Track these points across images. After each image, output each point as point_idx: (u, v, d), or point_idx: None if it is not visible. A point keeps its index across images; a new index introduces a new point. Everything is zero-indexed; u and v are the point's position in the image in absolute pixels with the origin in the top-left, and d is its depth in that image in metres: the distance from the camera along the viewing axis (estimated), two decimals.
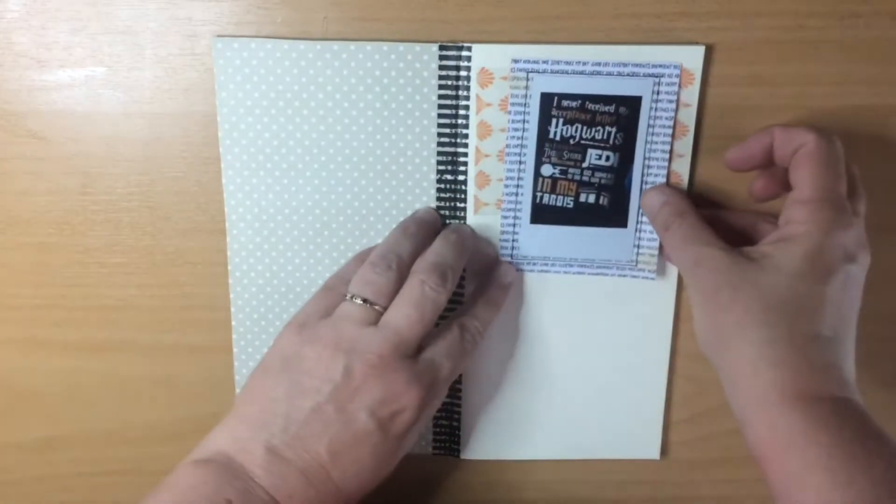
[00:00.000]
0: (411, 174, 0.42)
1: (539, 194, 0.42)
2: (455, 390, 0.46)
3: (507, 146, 0.41)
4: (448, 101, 0.41)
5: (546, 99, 0.40)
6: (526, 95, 0.40)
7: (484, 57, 0.40)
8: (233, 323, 0.45)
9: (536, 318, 0.45)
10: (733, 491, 0.49)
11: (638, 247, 0.42)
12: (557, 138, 0.40)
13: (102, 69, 0.41)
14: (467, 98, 0.41)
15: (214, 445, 0.37)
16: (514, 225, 0.42)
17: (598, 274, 0.43)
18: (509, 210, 0.42)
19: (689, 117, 0.41)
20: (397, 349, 0.37)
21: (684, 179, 0.42)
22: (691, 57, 0.40)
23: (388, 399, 0.37)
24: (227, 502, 0.35)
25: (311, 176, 0.42)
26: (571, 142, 0.40)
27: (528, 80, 0.40)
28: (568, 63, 0.39)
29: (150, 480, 0.48)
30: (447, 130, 0.41)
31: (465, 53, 0.40)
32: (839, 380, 0.35)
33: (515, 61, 0.39)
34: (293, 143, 0.41)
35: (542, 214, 0.42)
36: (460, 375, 0.45)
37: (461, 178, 0.42)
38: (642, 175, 0.41)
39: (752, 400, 0.35)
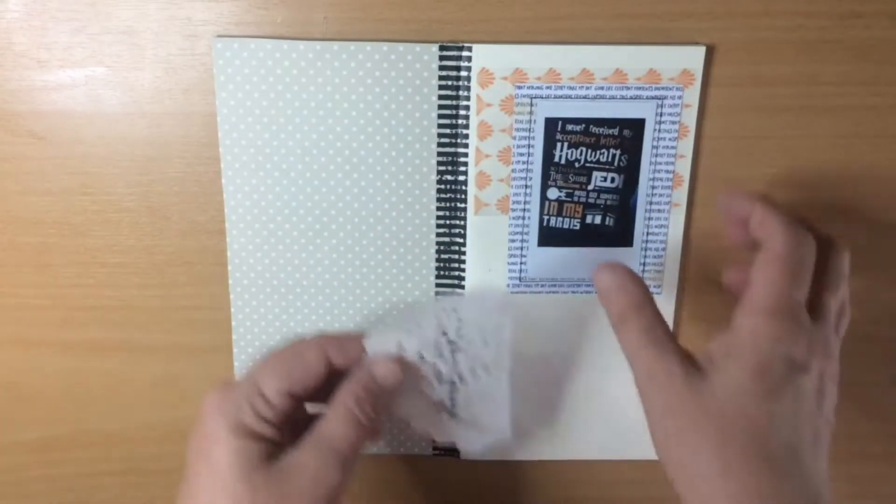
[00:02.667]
0: (411, 174, 0.42)
1: (546, 217, 0.42)
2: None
3: (513, 170, 0.41)
4: (448, 102, 0.41)
5: (550, 124, 0.41)
6: (530, 121, 0.40)
7: (484, 57, 0.40)
8: (233, 323, 0.45)
9: (536, 321, 0.45)
10: None
11: (644, 265, 0.43)
12: (563, 162, 0.41)
13: (102, 69, 0.41)
14: (468, 98, 0.41)
15: None
16: (521, 248, 0.43)
17: None
18: (517, 234, 0.43)
19: (689, 117, 0.41)
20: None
21: (685, 180, 0.42)
22: (692, 57, 0.40)
23: None
24: None
25: (311, 176, 0.42)
26: (577, 165, 0.41)
27: (531, 105, 0.40)
28: (571, 88, 0.40)
29: (150, 480, 0.48)
30: (447, 131, 0.41)
31: (465, 54, 0.40)
32: (800, 500, 0.32)
33: (519, 87, 0.40)
34: (293, 143, 0.41)
35: (549, 237, 0.43)
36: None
37: (461, 178, 0.42)
38: (647, 195, 0.42)
39: None
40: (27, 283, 0.44)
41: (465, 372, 0.40)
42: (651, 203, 0.42)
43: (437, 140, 0.42)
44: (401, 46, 0.40)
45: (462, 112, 0.41)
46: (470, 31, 0.40)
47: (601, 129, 0.40)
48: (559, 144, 0.41)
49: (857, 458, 0.48)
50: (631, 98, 0.40)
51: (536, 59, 0.40)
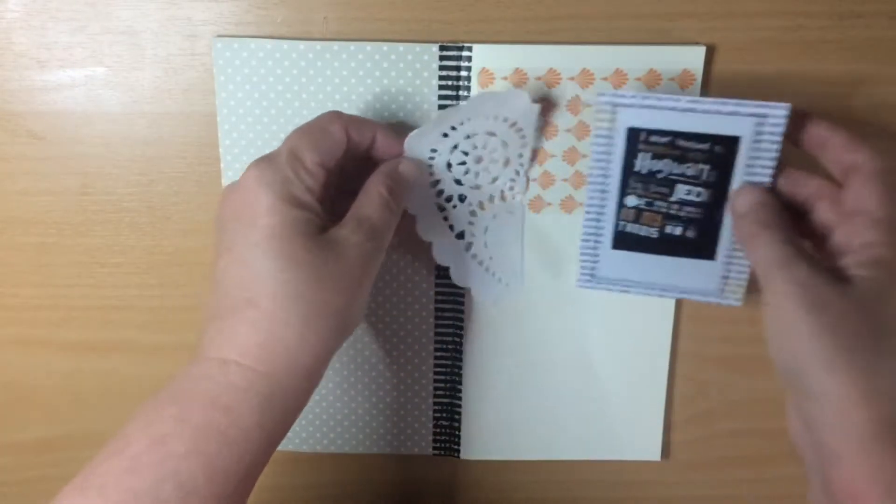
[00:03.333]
0: None
1: (622, 223, 0.40)
2: (455, 390, 0.46)
3: (590, 175, 0.39)
4: (448, 102, 0.41)
5: (632, 133, 0.38)
6: (611, 129, 0.38)
7: (485, 57, 0.40)
8: None
9: (537, 321, 0.45)
10: (733, 491, 0.49)
11: (726, 278, 0.40)
12: (644, 172, 0.39)
13: (102, 69, 0.41)
14: (468, 98, 0.41)
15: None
16: (595, 248, 0.41)
17: (679, 297, 0.42)
18: (590, 235, 0.41)
19: None
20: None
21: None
22: (692, 57, 0.40)
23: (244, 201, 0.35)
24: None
25: None
26: (659, 175, 0.39)
27: (613, 113, 0.38)
28: (659, 98, 0.37)
29: None
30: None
31: (465, 53, 0.40)
32: None
33: (601, 95, 0.38)
34: None
35: (624, 241, 0.41)
36: (460, 375, 0.45)
37: None
38: None
39: (851, 434, 0.32)
40: (27, 283, 0.44)
41: (485, 200, 0.42)
42: None
43: None
44: (401, 46, 0.40)
45: None
46: (470, 31, 0.40)
47: (689, 143, 0.38)
48: (641, 154, 0.38)
49: None
50: (727, 114, 0.37)
51: (536, 59, 0.40)
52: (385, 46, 0.40)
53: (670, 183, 0.39)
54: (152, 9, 0.40)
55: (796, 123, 0.37)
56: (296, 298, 0.33)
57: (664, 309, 0.45)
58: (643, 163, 0.38)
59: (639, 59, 0.40)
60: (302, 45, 0.40)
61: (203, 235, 0.44)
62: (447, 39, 0.40)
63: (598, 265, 0.41)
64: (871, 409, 0.31)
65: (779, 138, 0.37)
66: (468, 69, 0.40)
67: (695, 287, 0.41)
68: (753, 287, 0.41)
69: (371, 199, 0.37)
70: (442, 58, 0.40)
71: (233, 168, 0.42)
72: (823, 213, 0.37)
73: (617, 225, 0.40)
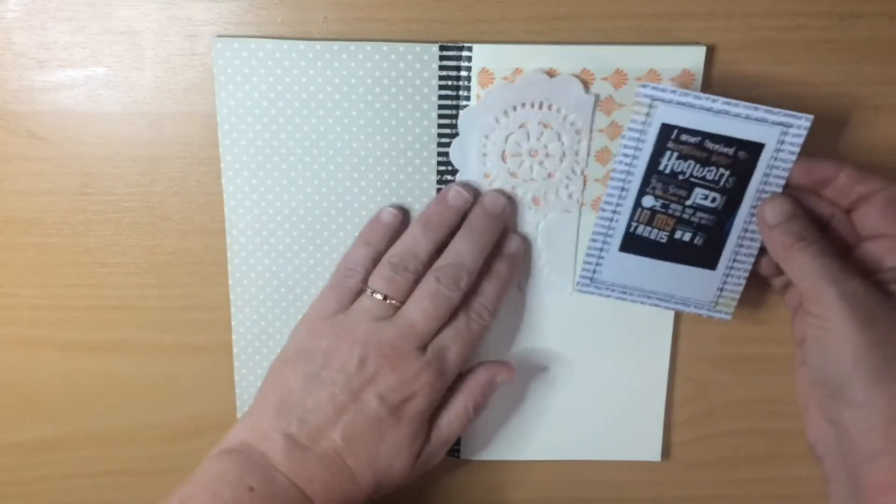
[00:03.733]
0: (411, 174, 0.42)
1: (634, 224, 0.40)
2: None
3: (613, 171, 0.39)
4: (448, 102, 0.41)
5: (665, 130, 0.38)
6: (645, 123, 0.38)
7: (485, 57, 0.40)
8: (233, 323, 0.45)
9: (537, 321, 0.45)
10: (734, 491, 0.49)
11: (722, 290, 0.41)
12: (667, 171, 0.39)
13: (102, 69, 0.41)
14: (468, 98, 0.41)
15: (237, 437, 0.39)
16: (601, 249, 0.41)
17: (673, 308, 0.43)
18: (599, 234, 0.41)
19: None
20: (409, 341, 0.39)
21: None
22: (691, 57, 0.40)
23: (399, 386, 0.39)
24: (249, 489, 0.37)
25: (311, 176, 0.42)
26: (680, 177, 0.39)
27: (650, 107, 0.38)
28: (697, 97, 0.37)
29: (150, 480, 0.48)
30: (447, 131, 0.41)
31: (465, 54, 0.40)
32: None
33: (643, 87, 0.38)
34: (293, 143, 0.41)
35: (632, 244, 0.41)
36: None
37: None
38: (746, 221, 0.40)
39: (893, 435, 0.34)
40: (27, 283, 0.44)
41: (540, 195, 0.42)
42: (746, 230, 0.40)
43: (436, 140, 0.42)
44: (401, 46, 0.40)
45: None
46: (470, 31, 0.40)
47: (716, 146, 0.38)
48: (668, 153, 0.39)
49: None
50: (756, 120, 0.38)
51: (536, 59, 0.40)
52: (385, 46, 0.40)
53: (689, 186, 0.39)
54: (152, 9, 0.40)
55: (802, 170, 0.38)
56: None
57: (665, 310, 0.44)
58: (669, 162, 0.39)
59: (639, 59, 0.40)
60: (302, 45, 0.40)
61: (203, 235, 0.44)
62: (447, 39, 0.40)
63: (600, 268, 0.42)
64: None
65: (797, 149, 0.38)
66: (468, 69, 0.40)
67: (691, 297, 0.42)
68: (742, 299, 0.42)
69: (459, 415, 0.42)
70: (442, 58, 0.40)
71: (233, 168, 0.42)
72: (832, 232, 0.39)
73: (629, 226, 0.40)
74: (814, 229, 0.38)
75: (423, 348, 0.39)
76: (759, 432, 0.48)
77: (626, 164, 0.39)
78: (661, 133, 0.38)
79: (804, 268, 0.37)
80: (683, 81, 0.40)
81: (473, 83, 0.41)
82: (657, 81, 0.40)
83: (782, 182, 0.38)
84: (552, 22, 0.40)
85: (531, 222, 0.43)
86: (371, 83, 0.41)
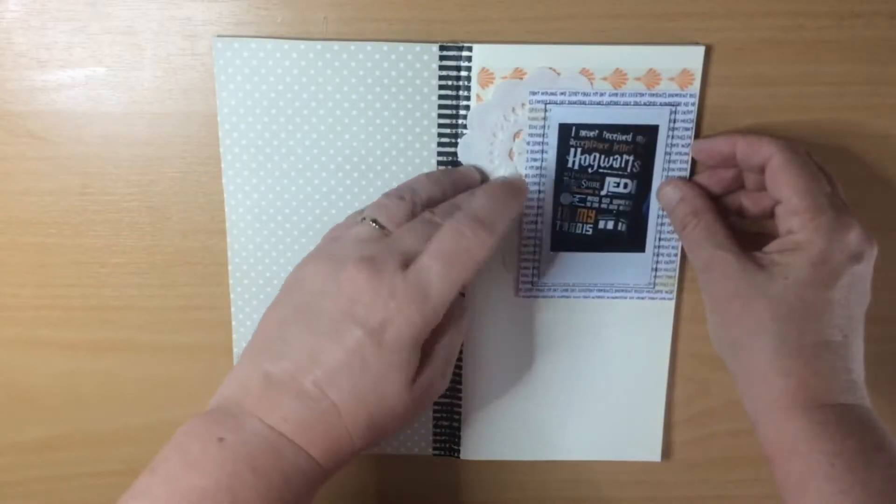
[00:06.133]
0: (411, 174, 0.42)
1: (558, 222, 0.42)
2: (455, 390, 0.46)
3: (526, 175, 0.41)
4: (448, 101, 0.41)
5: (564, 129, 0.41)
6: (544, 126, 0.40)
7: (485, 57, 0.40)
8: (233, 323, 0.45)
9: (537, 321, 0.45)
10: (734, 491, 0.49)
11: (655, 270, 0.43)
12: (576, 167, 0.41)
13: (102, 69, 0.41)
14: (468, 98, 0.41)
15: (220, 393, 0.36)
16: (534, 252, 0.43)
17: (616, 298, 0.44)
18: (529, 238, 0.43)
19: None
20: (390, 257, 0.35)
21: (685, 179, 0.42)
22: (691, 57, 0.40)
23: (374, 304, 0.34)
24: (218, 440, 0.33)
25: (311, 176, 0.42)
26: (590, 170, 0.41)
27: (545, 111, 0.40)
28: (585, 94, 0.40)
29: None
30: (447, 130, 0.41)
31: (465, 53, 0.40)
32: (848, 384, 0.36)
33: (533, 93, 0.40)
34: (293, 143, 0.41)
35: (561, 241, 0.43)
36: (460, 375, 0.45)
37: None
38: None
39: (763, 404, 0.36)
40: (27, 283, 0.44)
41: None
42: (663, 210, 0.42)
43: (437, 140, 0.42)
44: (401, 46, 0.40)
45: (462, 112, 0.41)
46: (470, 31, 0.40)
47: (614, 136, 0.41)
48: (573, 150, 0.41)
49: None
50: (645, 104, 0.40)
51: (536, 58, 0.40)
52: (385, 46, 0.40)
53: (600, 177, 0.41)
54: (152, 9, 0.40)
55: (699, 150, 0.40)
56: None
57: (664, 309, 0.45)
58: (575, 158, 0.41)
59: (639, 59, 0.40)
60: (302, 45, 0.40)
61: (203, 235, 0.44)
62: (447, 39, 0.40)
63: (537, 270, 0.43)
64: (769, 384, 0.36)
65: (691, 125, 0.40)
66: (468, 69, 0.40)
67: (630, 283, 0.43)
68: (694, 286, 0.43)
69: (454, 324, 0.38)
70: (442, 58, 0.40)
71: (233, 168, 0.42)
72: (746, 204, 0.41)
73: (554, 225, 0.42)
74: (704, 208, 0.40)
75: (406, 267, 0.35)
76: None
77: (536, 168, 0.41)
78: (560, 133, 0.41)
79: (693, 243, 0.40)
80: (683, 81, 0.40)
81: (473, 83, 0.41)
82: (657, 81, 0.40)
83: (686, 157, 0.41)
84: (552, 22, 0.40)
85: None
86: (371, 83, 0.41)
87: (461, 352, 0.45)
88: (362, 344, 0.34)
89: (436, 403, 0.46)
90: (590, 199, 0.42)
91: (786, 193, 0.37)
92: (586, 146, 0.41)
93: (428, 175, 0.41)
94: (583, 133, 0.41)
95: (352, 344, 0.34)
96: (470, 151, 0.41)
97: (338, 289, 0.35)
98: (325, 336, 0.34)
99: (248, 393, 0.35)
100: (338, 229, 0.39)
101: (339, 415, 0.34)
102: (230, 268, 0.44)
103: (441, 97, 0.41)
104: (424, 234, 0.36)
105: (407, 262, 0.35)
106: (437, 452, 0.47)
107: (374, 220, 0.37)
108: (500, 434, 0.47)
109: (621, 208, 0.42)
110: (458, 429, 0.47)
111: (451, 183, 0.40)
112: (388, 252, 0.35)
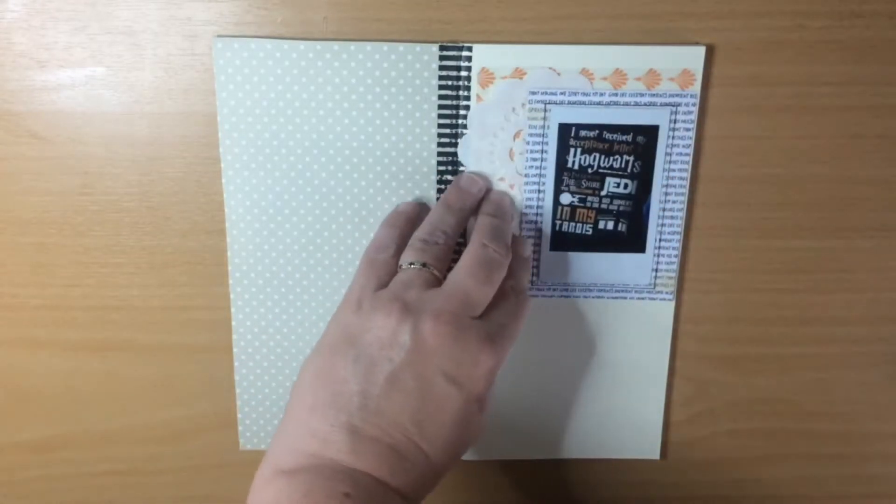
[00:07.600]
0: (411, 174, 0.42)
1: (558, 222, 0.42)
2: None
3: (526, 175, 0.41)
4: (448, 101, 0.41)
5: (564, 129, 0.41)
6: (544, 126, 0.40)
7: (485, 57, 0.40)
8: (233, 323, 0.45)
9: (537, 321, 0.45)
10: (734, 491, 0.49)
11: (656, 270, 0.43)
12: (576, 167, 0.41)
13: (102, 69, 0.41)
14: (468, 98, 0.41)
15: (293, 449, 0.35)
16: (534, 252, 0.43)
17: (617, 298, 0.44)
18: (529, 237, 0.43)
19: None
20: (465, 309, 0.36)
21: (685, 180, 0.42)
22: (691, 57, 0.40)
23: (464, 360, 0.35)
24: (344, 496, 0.33)
25: (311, 176, 0.42)
26: (590, 171, 0.41)
27: (545, 111, 0.40)
28: (585, 94, 0.40)
29: (151, 480, 0.48)
30: (447, 130, 0.41)
31: (465, 53, 0.40)
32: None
33: (533, 93, 0.40)
34: (293, 143, 0.41)
35: (561, 241, 0.43)
36: None
37: None
38: (661, 201, 0.42)
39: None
40: (27, 283, 0.44)
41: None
42: (664, 210, 0.42)
43: (437, 140, 0.42)
44: (401, 46, 0.40)
45: (462, 112, 0.41)
46: (470, 31, 0.40)
47: (614, 136, 0.41)
48: (572, 150, 0.41)
49: (858, 458, 0.48)
50: (645, 105, 0.40)
51: (536, 58, 0.40)
52: (385, 46, 0.40)
53: (600, 177, 0.41)
54: (152, 9, 0.40)
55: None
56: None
57: (664, 309, 0.45)
58: (575, 158, 0.41)
59: (639, 59, 0.40)
60: (302, 45, 0.40)
61: (203, 235, 0.44)
62: (447, 39, 0.40)
63: (538, 270, 0.43)
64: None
65: (691, 126, 0.40)
66: (468, 69, 0.40)
67: (630, 283, 0.43)
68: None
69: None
70: (442, 58, 0.40)
71: (233, 168, 0.42)
72: None
73: (554, 225, 0.42)
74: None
75: (479, 317, 0.36)
76: (759, 432, 0.48)
77: (536, 168, 0.41)
78: (560, 133, 0.41)
79: None
80: (684, 81, 0.40)
81: (473, 83, 0.41)
82: (657, 81, 0.40)
83: (687, 157, 0.41)
84: (552, 22, 0.40)
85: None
86: (371, 83, 0.41)
87: None
88: (451, 396, 0.35)
89: None
90: (590, 200, 0.42)
91: None
92: (586, 146, 0.41)
93: (445, 209, 0.40)
94: (583, 133, 0.41)
95: (442, 396, 0.35)
96: (470, 151, 0.41)
97: (419, 345, 0.35)
98: (412, 388, 0.35)
99: (339, 449, 0.34)
100: (379, 266, 0.39)
101: (429, 462, 0.35)
102: (230, 268, 0.44)
103: (441, 97, 0.41)
104: (488, 277, 0.37)
105: (477, 312, 0.36)
106: None
107: (423, 264, 0.37)
108: (499, 434, 0.47)
109: (621, 208, 0.42)
110: None
111: (469, 205, 0.41)
112: (462, 307, 0.36)
